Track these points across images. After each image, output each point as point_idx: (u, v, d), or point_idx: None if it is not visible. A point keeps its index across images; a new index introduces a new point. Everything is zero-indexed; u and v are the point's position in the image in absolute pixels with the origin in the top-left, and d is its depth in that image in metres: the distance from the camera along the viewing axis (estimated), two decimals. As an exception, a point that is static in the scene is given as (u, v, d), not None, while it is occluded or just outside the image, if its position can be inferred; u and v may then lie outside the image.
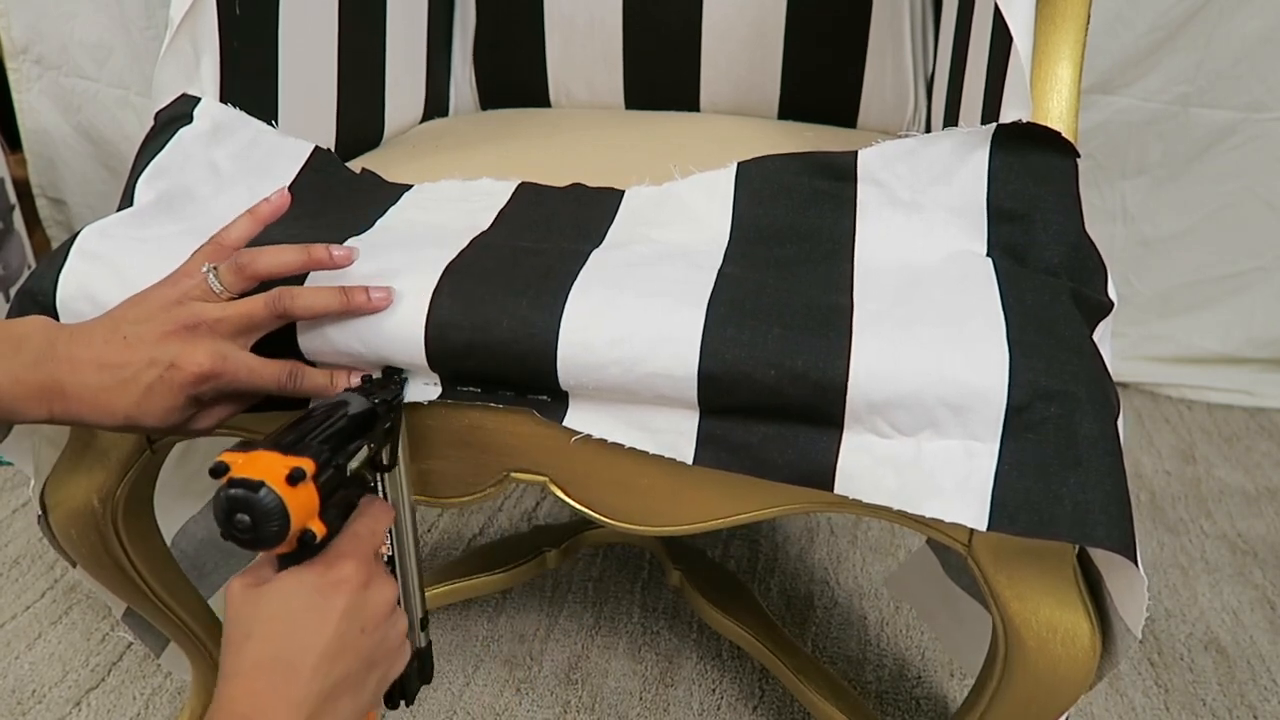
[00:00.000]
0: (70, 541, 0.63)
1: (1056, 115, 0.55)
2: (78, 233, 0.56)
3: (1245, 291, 1.41)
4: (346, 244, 0.53)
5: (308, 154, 0.64)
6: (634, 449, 0.50)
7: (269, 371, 0.51)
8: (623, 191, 0.60)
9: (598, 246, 0.54)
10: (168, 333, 0.49)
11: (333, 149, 0.75)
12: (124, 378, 0.49)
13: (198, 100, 0.61)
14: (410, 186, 0.64)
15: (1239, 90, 1.28)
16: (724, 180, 0.58)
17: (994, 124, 0.53)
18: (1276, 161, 1.32)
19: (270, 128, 0.64)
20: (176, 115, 0.61)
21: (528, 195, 0.61)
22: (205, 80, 0.62)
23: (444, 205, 0.61)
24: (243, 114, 0.63)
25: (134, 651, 0.95)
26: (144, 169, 0.59)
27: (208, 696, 0.81)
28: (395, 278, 0.51)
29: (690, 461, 0.49)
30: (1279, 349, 1.42)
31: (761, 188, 0.57)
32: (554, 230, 0.57)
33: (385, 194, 0.63)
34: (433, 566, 1.03)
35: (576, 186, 0.61)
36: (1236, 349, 1.43)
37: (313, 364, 0.53)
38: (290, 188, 0.61)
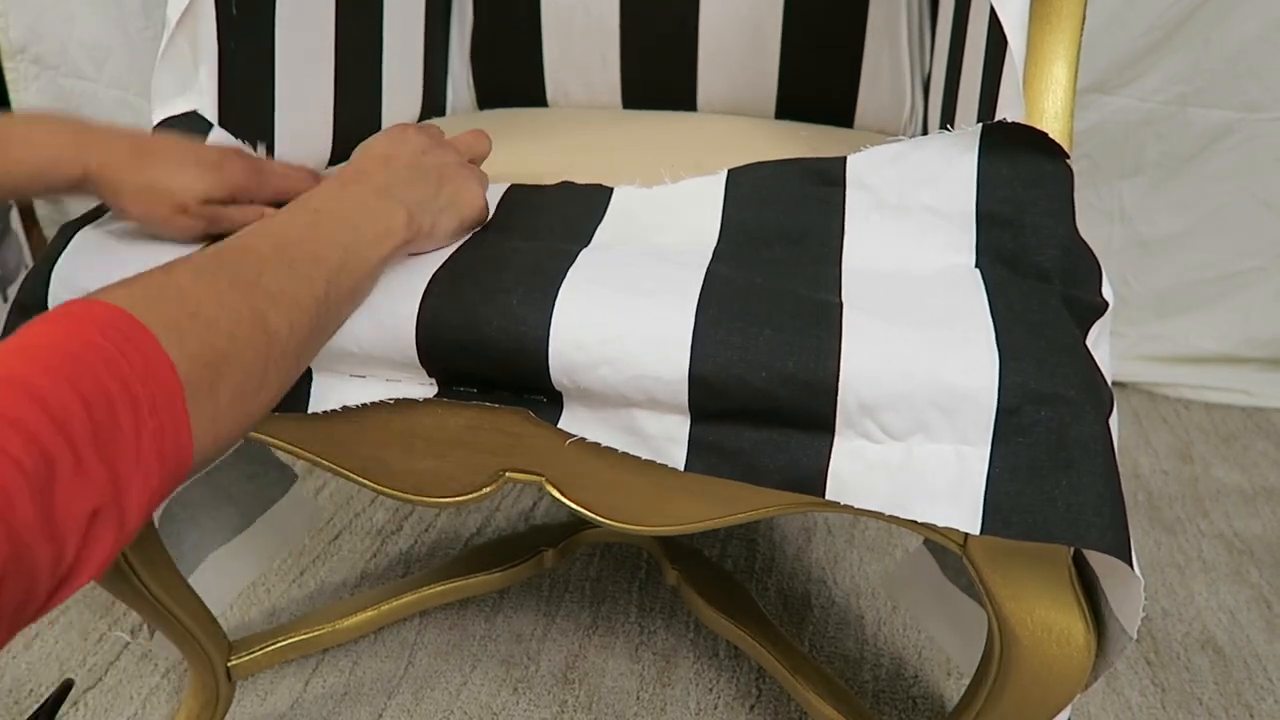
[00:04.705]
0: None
1: (1052, 115, 0.55)
2: (68, 237, 0.56)
3: (1243, 291, 1.41)
4: None
5: None
6: (628, 450, 0.50)
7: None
8: (611, 189, 0.60)
9: (586, 246, 0.54)
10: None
11: (329, 149, 0.75)
12: (156, 149, 0.53)
13: (210, 126, 0.61)
14: None
15: (1236, 90, 1.28)
16: (714, 186, 0.58)
17: (980, 125, 0.53)
18: (1274, 161, 1.32)
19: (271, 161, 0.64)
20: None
21: (517, 197, 0.61)
22: (202, 83, 0.62)
23: None
24: (244, 146, 0.62)
25: (131, 651, 0.95)
26: None
27: (206, 696, 0.81)
28: (386, 280, 0.51)
29: (682, 468, 0.49)
30: (1276, 349, 1.43)
31: (751, 193, 0.58)
32: (543, 230, 0.57)
33: None
34: (430, 566, 1.03)
35: (565, 185, 0.61)
36: (1234, 349, 1.43)
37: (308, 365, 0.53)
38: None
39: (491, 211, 0.59)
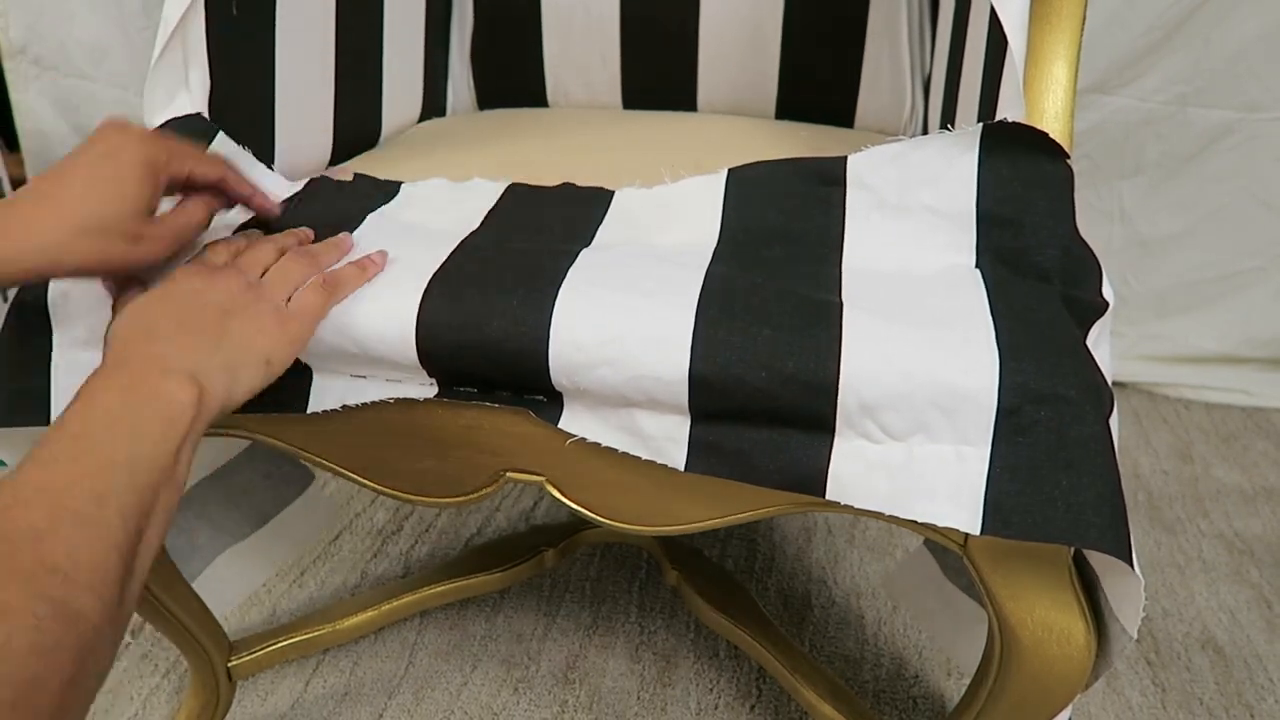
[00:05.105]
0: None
1: (1052, 115, 0.55)
2: None
3: (1243, 291, 1.41)
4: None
5: (302, 185, 0.65)
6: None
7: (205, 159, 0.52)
8: (613, 192, 0.60)
9: (587, 246, 0.54)
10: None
11: (330, 150, 0.75)
12: (67, 170, 0.45)
13: (213, 129, 0.61)
14: (399, 186, 0.64)
15: (1236, 90, 1.28)
16: (714, 185, 0.58)
17: (980, 125, 0.53)
18: (1274, 161, 1.32)
19: (270, 172, 0.63)
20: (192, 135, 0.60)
21: (517, 196, 0.61)
22: (194, 85, 0.61)
23: (434, 207, 0.61)
24: (245, 152, 0.62)
25: (131, 651, 0.95)
26: None
27: (206, 696, 0.81)
28: (386, 278, 0.51)
29: (682, 468, 0.49)
30: (1276, 348, 1.43)
31: (751, 192, 0.58)
32: (543, 230, 0.57)
33: (375, 196, 0.63)
34: (430, 566, 1.03)
35: (566, 186, 0.61)
36: (1234, 349, 1.43)
37: (308, 366, 0.53)
38: (286, 198, 0.62)
39: (486, 212, 0.59)
